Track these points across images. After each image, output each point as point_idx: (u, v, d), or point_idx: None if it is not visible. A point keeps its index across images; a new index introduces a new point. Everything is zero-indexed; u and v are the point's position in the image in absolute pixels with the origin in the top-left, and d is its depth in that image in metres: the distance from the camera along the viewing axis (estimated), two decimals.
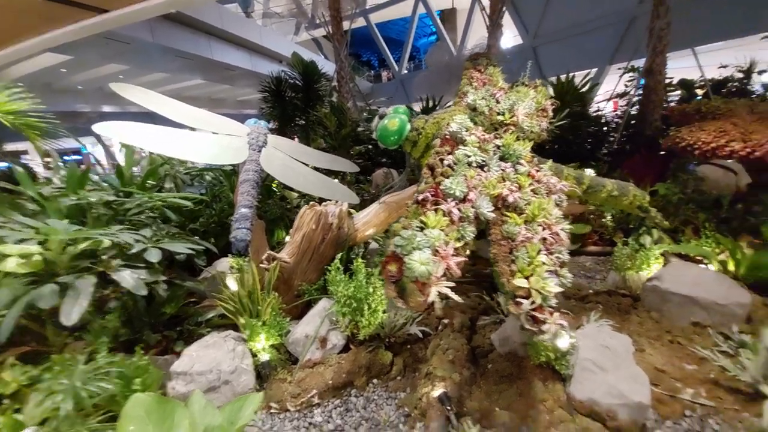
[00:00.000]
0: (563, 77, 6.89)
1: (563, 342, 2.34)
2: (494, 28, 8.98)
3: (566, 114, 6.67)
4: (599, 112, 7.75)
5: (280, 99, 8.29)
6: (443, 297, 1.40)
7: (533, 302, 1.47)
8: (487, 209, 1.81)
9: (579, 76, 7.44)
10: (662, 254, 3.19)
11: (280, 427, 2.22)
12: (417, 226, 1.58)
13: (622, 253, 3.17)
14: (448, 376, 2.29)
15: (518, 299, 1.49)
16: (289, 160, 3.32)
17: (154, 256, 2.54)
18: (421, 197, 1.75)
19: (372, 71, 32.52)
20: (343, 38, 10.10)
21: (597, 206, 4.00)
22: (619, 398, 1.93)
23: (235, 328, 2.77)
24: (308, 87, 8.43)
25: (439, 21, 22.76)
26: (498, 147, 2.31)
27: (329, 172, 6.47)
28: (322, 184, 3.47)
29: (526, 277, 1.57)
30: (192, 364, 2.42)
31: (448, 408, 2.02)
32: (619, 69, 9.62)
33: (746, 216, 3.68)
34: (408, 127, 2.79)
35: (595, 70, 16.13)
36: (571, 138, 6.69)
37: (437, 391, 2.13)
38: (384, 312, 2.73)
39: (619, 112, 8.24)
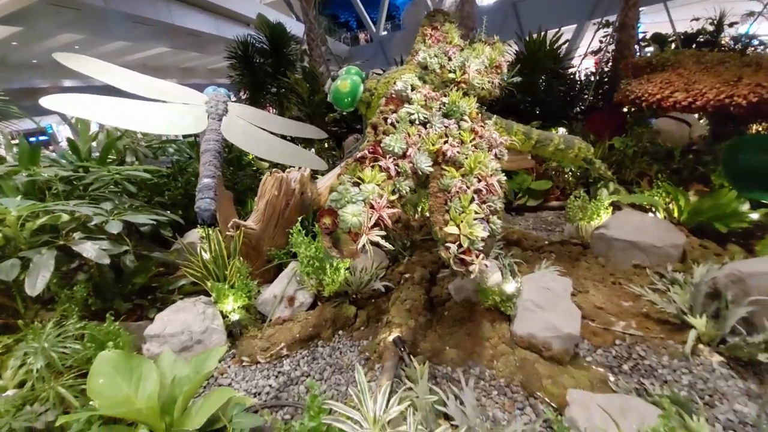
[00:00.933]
0: (534, 34, 6.75)
1: (509, 287, 2.56)
2: None
3: (538, 71, 6.64)
4: (572, 69, 7.65)
5: (248, 66, 7.95)
6: (374, 244, 1.52)
7: (460, 246, 1.60)
8: (425, 164, 1.90)
9: (562, 32, 7.28)
10: (612, 204, 3.37)
11: (251, 376, 2.40)
12: (353, 182, 1.67)
13: (574, 205, 3.34)
14: (404, 322, 2.48)
15: (447, 244, 1.62)
16: (253, 128, 3.30)
17: (114, 227, 2.58)
18: (359, 155, 1.82)
19: (350, 33, 31.03)
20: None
21: (549, 160, 4.10)
22: (554, 331, 2.14)
23: (207, 294, 2.89)
24: (277, 52, 8.07)
25: None
26: (444, 104, 2.36)
27: (302, 140, 6.39)
28: (288, 152, 3.48)
29: (458, 225, 1.69)
30: (164, 327, 2.55)
31: (402, 349, 2.21)
32: (594, 24, 9.49)
33: (696, 166, 3.87)
34: (361, 88, 2.80)
35: (575, 26, 15.82)
36: (544, 96, 6.69)
37: (393, 336, 2.31)
38: (347, 269, 2.87)
39: (593, 69, 8.20)
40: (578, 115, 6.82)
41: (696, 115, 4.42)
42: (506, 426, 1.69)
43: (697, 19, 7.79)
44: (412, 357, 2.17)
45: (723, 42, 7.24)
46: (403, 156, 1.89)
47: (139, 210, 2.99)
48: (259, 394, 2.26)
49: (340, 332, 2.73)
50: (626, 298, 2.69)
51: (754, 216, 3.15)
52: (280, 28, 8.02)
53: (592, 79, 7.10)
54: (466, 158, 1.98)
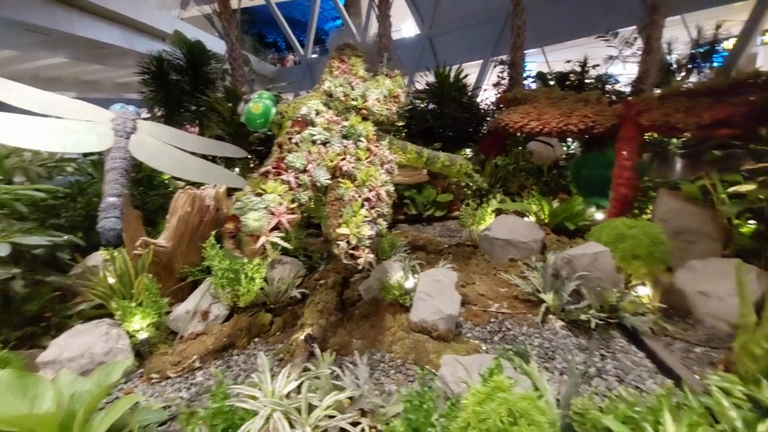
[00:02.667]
0: (441, 69, 7.62)
1: (409, 283, 2.96)
2: (383, 18, 9.44)
3: (447, 101, 7.50)
4: (479, 99, 8.77)
5: (163, 82, 7.68)
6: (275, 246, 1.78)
7: (349, 243, 1.94)
8: (323, 177, 2.22)
9: (471, 66, 8.37)
10: (496, 211, 4.06)
11: (161, 391, 2.40)
12: (255, 193, 1.92)
13: (465, 213, 3.95)
14: (316, 322, 2.71)
15: (339, 242, 1.94)
16: (165, 147, 3.32)
17: (1, 250, 2.42)
18: (264, 169, 2.08)
19: (278, 53, 30.92)
20: (233, 17, 9.52)
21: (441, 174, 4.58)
22: (439, 314, 2.57)
23: (111, 317, 2.79)
24: (195, 69, 7.95)
25: (341, 5, 22.74)
26: (345, 127, 2.74)
27: (226, 159, 6.32)
28: (203, 170, 3.54)
29: (349, 227, 2.03)
30: (61, 353, 2.43)
31: (312, 345, 2.44)
32: (493, 61, 11.09)
33: (559, 179, 4.83)
34: (273, 111, 3.06)
35: (481, 61, 17.97)
36: (451, 122, 7.60)
37: (304, 334, 2.53)
38: (264, 279, 3.03)
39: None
40: (481, 138, 7.86)
41: (561, 140, 5.56)
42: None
43: (569, 62, 9.53)
44: (321, 351, 2.41)
45: (587, 80, 8.98)
46: (304, 171, 2.19)
47: (32, 232, 2.81)
48: (170, 407, 2.28)
49: (256, 339, 2.86)
50: (502, 285, 3.29)
51: (600, 216, 4.07)
52: (198, 45, 7.92)
53: (493, 108, 8.21)
54: (360, 172, 2.35)
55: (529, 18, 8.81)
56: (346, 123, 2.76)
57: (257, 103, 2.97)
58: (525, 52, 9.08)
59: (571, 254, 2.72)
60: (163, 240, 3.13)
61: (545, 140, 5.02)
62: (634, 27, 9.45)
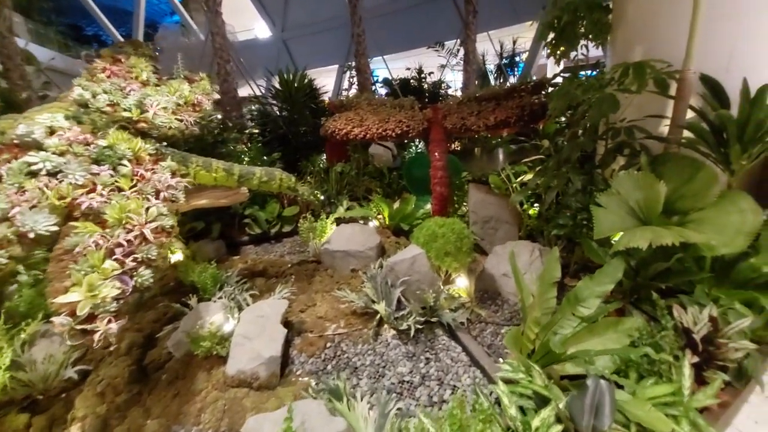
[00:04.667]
0: (285, 73, 7.22)
1: (228, 326, 2.50)
2: (213, 15, 8.47)
3: (296, 106, 7.11)
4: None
5: None
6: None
7: (75, 315, 1.40)
8: (44, 224, 1.60)
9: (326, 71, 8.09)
10: (337, 220, 3.92)
11: None
12: None
13: (304, 228, 3.69)
14: (90, 412, 2.03)
15: (58, 318, 1.38)
16: None
17: None
18: None
19: (102, 49, 25.13)
20: (1, 4, 7.14)
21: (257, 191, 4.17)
22: (259, 360, 2.21)
23: None
24: None
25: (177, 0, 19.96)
26: (105, 147, 2.10)
27: None
28: None
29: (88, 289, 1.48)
30: None
31: None
32: (343, 67, 11.29)
33: (400, 180, 5.03)
34: None
35: (337, 66, 18.22)
36: (305, 129, 7.28)
37: None
38: (7, 369, 2.14)
39: None
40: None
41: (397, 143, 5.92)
42: None
43: (408, 69, 10.32)
44: None
45: (424, 86, 9.86)
46: (4, 219, 1.52)
47: None
48: None
49: None
50: (343, 301, 3.12)
51: None
52: None
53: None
54: (113, 209, 1.79)
55: (368, 28, 9.17)
56: (102, 142, 2.13)
57: None
58: (372, 59, 9.46)
59: (393, 261, 2.72)
60: None
61: (383, 143, 5.19)
62: (457, 40, 10.84)
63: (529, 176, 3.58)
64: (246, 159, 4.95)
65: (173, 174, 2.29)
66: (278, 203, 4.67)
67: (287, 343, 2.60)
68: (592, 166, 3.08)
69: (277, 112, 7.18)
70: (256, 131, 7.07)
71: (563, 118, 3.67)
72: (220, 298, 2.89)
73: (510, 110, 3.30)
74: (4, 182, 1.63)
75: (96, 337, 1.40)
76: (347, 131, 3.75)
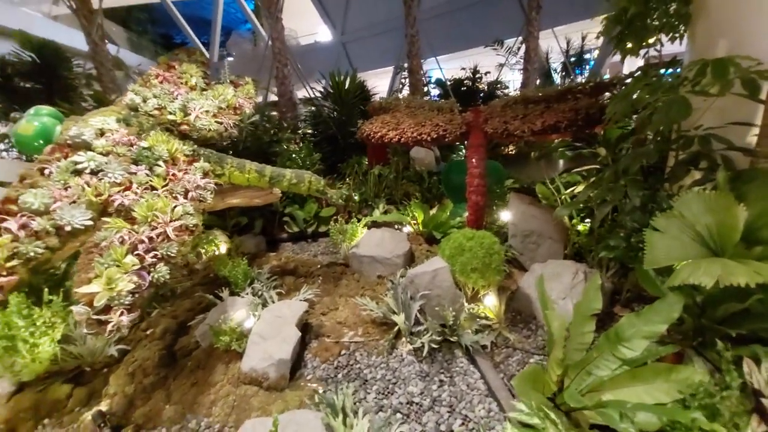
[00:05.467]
0: (335, 75, 7.37)
1: (249, 323, 2.58)
2: (274, 21, 8.95)
3: (346, 107, 7.24)
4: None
5: (7, 89, 6.38)
6: None
7: (93, 306, 1.51)
8: (80, 218, 1.75)
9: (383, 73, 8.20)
10: (370, 224, 3.87)
11: None
12: None
13: (335, 230, 3.70)
14: (120, 390, 2.21)
15: (78, 308, 1.50)
16: None
17: None
18: None
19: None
20: (93, 14, 8.23)
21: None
22: (270, 360, 2.24)
23: None
24: (49, 74, 6.79)
25: (247, 7, 21.53)
26: (145, 149, 2.28)
27: None
28: None
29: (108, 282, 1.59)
30: None
31: (101, 424, 1.95)
32: (397, 69, 11.28)
33: (440, 186, 4.84)
34: (58, 129, 2.47)
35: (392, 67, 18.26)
36: (354, 130, 7.38)
37: (92, 411, 2.02)
38: (58, 342, 2.42)
39: None
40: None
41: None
42: None
43: (463, 69, 9.99)
44: (120, 429, 1.93)
45: (480, 86, 9.47)
46: (45, 212, 1.70)
47: None
48: None
49: (46, 421, 2.24)
50: (364, 308, 3.06)
51: None
52: (52, 47, 6.85)
53: None
54: (141, 206, 1.92)
55: (424, 28, 9.05)
56: (144, 143, 2.30)
57: (30, 122, 2.36)
58: (428, 60, 9.33)
59: (414, 273, 2.59)
60: None
61: (428, 147, 5.04)
62: (518, 38, 10.23)
63: (581, 187, 3.20)
64: (297, 158, 5.06)
65: (205, 174, 2.40)
66: (316, 203, 4.76)
67: (303, 346, 2.61)
68: (657, 180, 2.65)
69: (328, 114, 7.36)
70: (309, 131, 7.32)
71: (632, 123, 3.23)
72: (249, 293, 3.00)
73: (561, 114, 2.97)
74: (52, 179, 1.81)
75: (109, 327, 1.48)
76: (382, 134, 3.68)
